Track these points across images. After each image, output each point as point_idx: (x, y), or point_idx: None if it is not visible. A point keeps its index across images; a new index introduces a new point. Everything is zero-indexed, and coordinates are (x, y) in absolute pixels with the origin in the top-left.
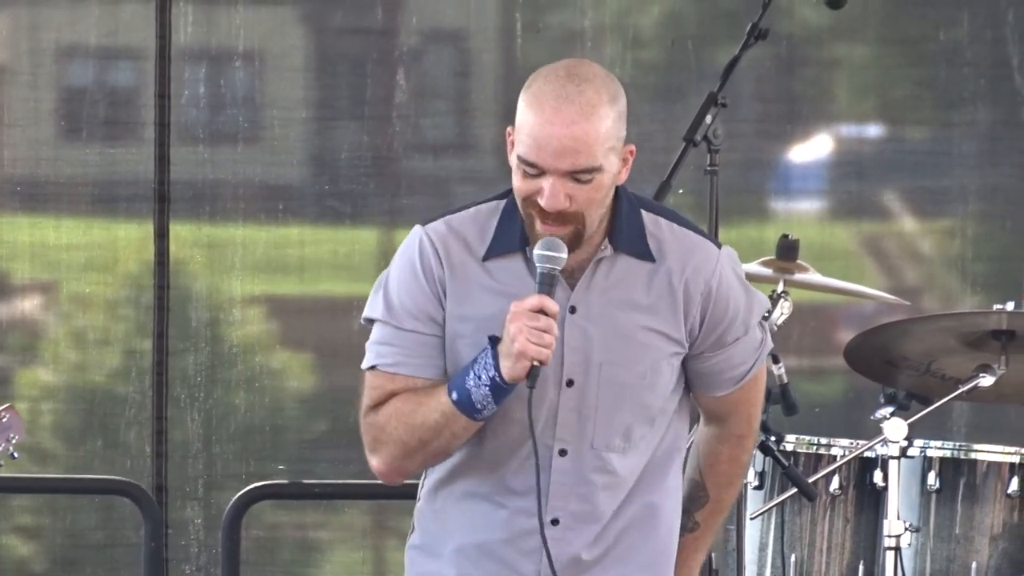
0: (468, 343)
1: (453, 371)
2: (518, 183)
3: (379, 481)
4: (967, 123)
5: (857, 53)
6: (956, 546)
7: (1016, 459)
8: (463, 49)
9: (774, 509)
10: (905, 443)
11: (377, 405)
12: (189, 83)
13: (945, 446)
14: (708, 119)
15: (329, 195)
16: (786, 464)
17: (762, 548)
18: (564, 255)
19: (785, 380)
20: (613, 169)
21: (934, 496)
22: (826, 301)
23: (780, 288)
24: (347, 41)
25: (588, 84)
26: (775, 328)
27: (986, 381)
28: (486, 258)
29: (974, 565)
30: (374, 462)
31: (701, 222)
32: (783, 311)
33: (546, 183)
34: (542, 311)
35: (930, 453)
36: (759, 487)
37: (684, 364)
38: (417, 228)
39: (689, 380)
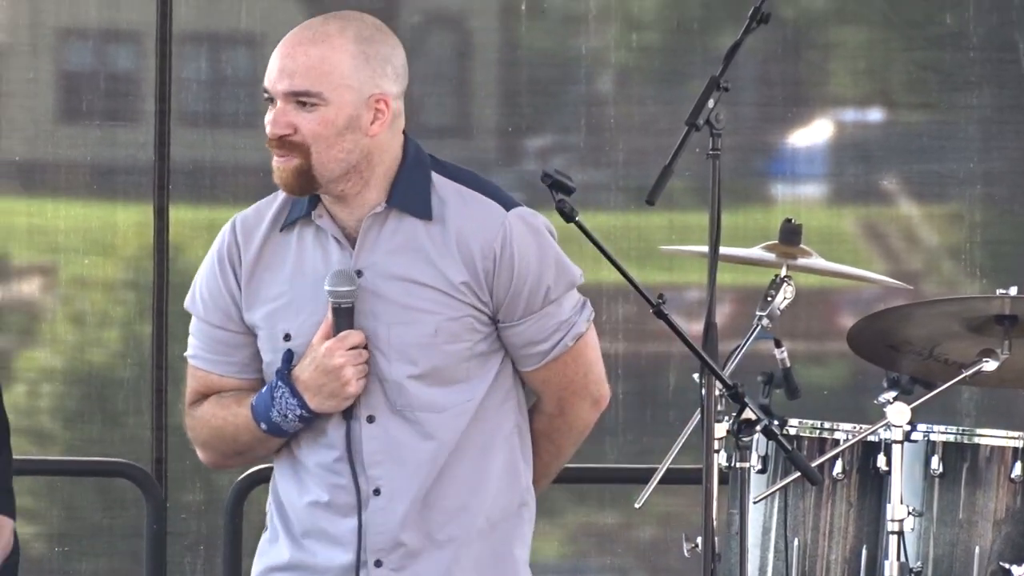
0: (281, 321)
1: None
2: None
3: None
4: (971, 107)
5: (861, 36)
6: (959, 530)
7: (1020, 444)
8: (465, 31)
9: (777, 493)
10: (908, 427)
11: (194, 403)
12: (189, 64)
13: (948, 430)
14: (710, 103)
15: None
16: (789, 448)
17: (765, 532)
18: (354, 287)
19: (788, 364)
20: (347, 109)
21: (937, 480)
22: (829, 286)
23: (783, 273)
24: None
25: (337, 20)
26: (778, 312)
27: (989, 366)
28: (282, 229)
29: (977, 550)
30: (200, 455)
31: (704, 206)
32: (786, 296)
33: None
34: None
35: (933, 437)
36: (762, 471)
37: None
38: (232, 219)
39: None
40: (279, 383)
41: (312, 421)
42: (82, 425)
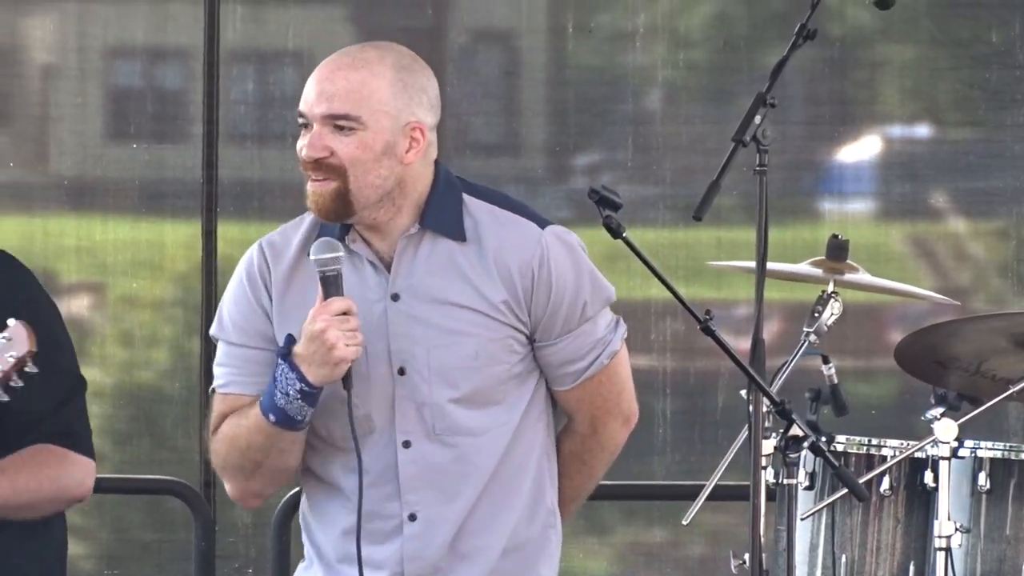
0: None
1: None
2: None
3: None
4: (1018, 125)
5: (908, 54)
6: (1007, 547)
7: None
8: (513, 48)
9: (825, 510)
10: (955, 444)
11: (216, 429)
12: (237, 82)
13: (996, 447)
14: (757, 119)
15: None
16: (837, 465)
17: (813, 549)
18: (339, 253)
19: (835, 381)
20: (384, 135)
21: (985, 497)
22: (877, 302)
23: (830, 288)
24: (396, 40)
25: (375, 48)
26: (825, 329)
27: None
28: (312, 254)
29: None
30: (227, 488)
31: (751, 223)
32: (833, 312)
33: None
34: (346, 312)
35: (980, 454)
36: (810, 487)
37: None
38: (257, 242)
39: None
40: (280, 362)
41: (314, 400)
42: (131, 445)
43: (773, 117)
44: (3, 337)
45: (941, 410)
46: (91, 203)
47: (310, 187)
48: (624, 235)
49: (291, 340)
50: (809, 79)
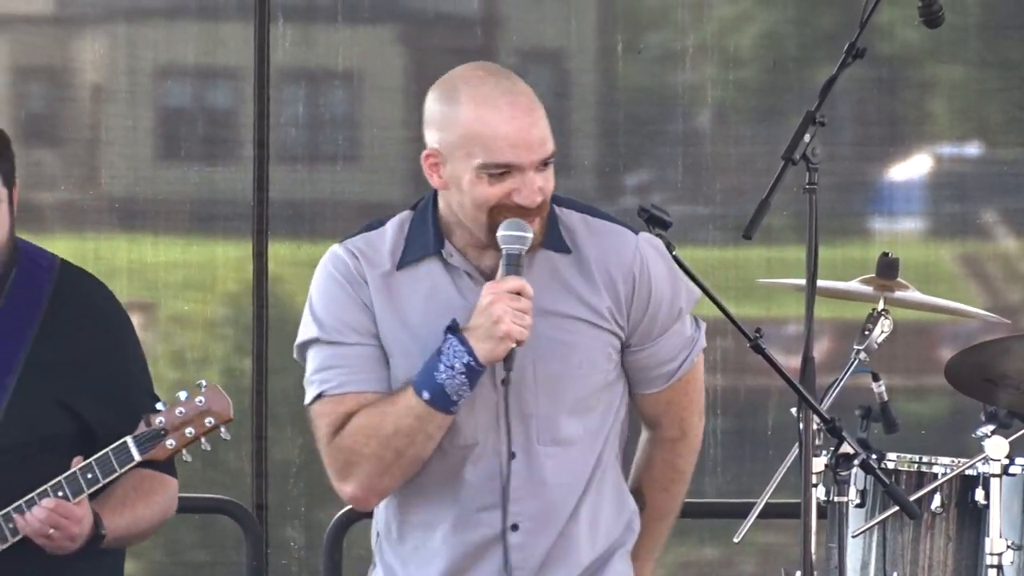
0: (401, 353)
1: (396, 380)
2: (486, 191)
3: None
4: None
5: (957, 74)
6: None
7: None
8: (562, 69)
9: (876, 527)
10: (1007, 461)
11: (338, 430)
12: (287, 102)
13: None
14: (806, 138)
15: None
16: (888, 482)
17: (864, 566)
18: (528, 234)
19: (886, 398)
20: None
21: None
22: (928, 320)
23: (880, 306)
24: (446, 60)
25: (515, 78)
26: (875, 346)
27: None
28: (400, 267)
29: None
30: (347, 488)
31: (801, 241)
32: (883, 329)
33: (520, 180)
34: (519, 293)
35: None
36: (861, 505)
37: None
38: (335, 247)
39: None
40: (448, 336)
41: (476, 379)
42: (181, 465)
43: (823, 137)
44: (199, 400)
45: (992, 427)
46: (142, 224)
47: (530, 229)
48: (674, 253)
49: (456, 323)
50: (859, 99)
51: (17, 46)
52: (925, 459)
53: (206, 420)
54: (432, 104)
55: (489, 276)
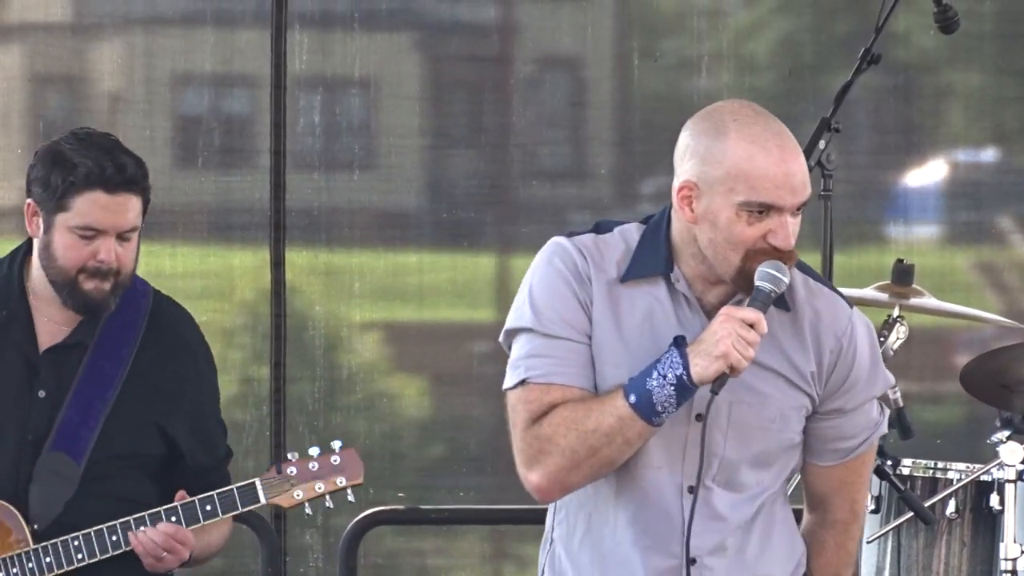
0: (612, 363)
1: (604, 388)
2: (744, 231)
3: (496, 506)
4: None
5: (973, 80)
6: None
7: None
8: (579, 77)
9: (891, 533)
10: (1022, 467)
11: (539, 418)
12: (304, 110)
13: None
14: (822, 144)
15: (446, 222)
16: (902, 488)
17: (879, 572)
18: (787, 279)
19: (901, 404)
20: None
21: None
22: (944, 326)
23: (896, 313)
24: (463, 68)
25: (774, 117)
26: (891, 353)
27: None
28: (625, 279)
29: None
30: (534, 477)
31: (816, 248)
32: (899, 335)
33: (777, 222)
34: (752, 325)
35: None
36: (875, 511)
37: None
38: (561, 239)
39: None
40: (672, 347)
41: (685, 396)
42: None
43: (838, 143)
44: (334, 459)
45: (1007, 433)
46: (159, 232)
47: (789, 270)
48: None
49: (683, 338)
50: (874, 106)
51: (35, 55)
52: (940, 465)
53: (338, 480)
54: (694, 137)
55: (710, 312)
